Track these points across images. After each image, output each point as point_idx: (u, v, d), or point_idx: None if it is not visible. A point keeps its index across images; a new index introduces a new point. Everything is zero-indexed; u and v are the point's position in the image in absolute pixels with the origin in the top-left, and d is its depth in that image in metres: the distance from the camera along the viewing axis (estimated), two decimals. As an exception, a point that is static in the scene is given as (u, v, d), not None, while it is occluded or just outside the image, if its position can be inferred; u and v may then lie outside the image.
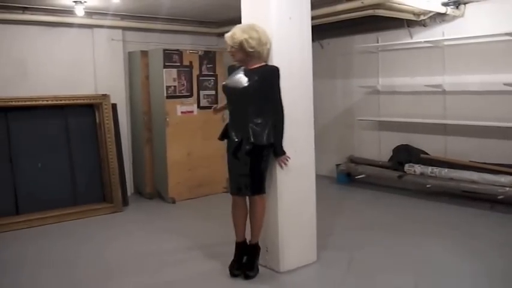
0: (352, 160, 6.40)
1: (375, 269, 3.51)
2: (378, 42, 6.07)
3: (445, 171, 5.26)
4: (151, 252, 4.00)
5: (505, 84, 4.85)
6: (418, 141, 5.80)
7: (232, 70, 3.46)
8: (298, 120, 3.47)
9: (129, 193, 5.91)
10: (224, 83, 3.51)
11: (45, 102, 5.10)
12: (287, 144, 3.38)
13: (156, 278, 3.48)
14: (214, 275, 3.48)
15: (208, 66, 5.97)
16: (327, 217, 4.36)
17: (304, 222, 3.58)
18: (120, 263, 3.82)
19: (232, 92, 3.38)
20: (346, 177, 6.37)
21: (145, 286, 3.38)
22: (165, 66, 5.55)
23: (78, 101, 5.33)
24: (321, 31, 5.68)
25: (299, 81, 3.48)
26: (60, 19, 5.45)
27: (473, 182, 4.99)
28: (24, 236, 4.55)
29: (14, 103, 4.90)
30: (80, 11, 5.08)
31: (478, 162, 5.14)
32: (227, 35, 3.27)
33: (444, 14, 5.30)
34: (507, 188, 4.72)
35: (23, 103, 4.96)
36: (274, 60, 3.34)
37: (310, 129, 3.58)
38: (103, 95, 5.48)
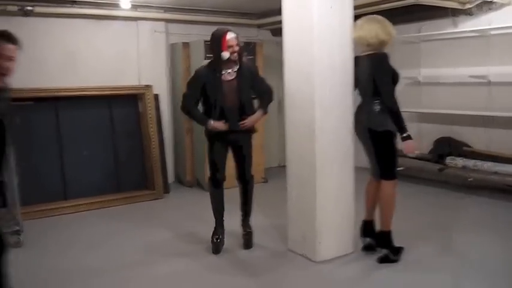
0: (393, 152, 6.30)
1: (412, 262, 3.48)
2: (420, 32, 5.95)
3: (489, 165, 5.13)
4: (190, 236, 4.15)
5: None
6: (460, 133, 5.67)
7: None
8: (335, 109, 3.47)
9: (170, 181, 6.08)
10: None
11: (91, 93, 5.32)
12: (324, 134, 3.41)
13: (196, 262, 3.60)
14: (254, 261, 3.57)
15: (248, 57, 6.02)
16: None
17: (342, 212, 3.60)
18: (162, 245, 3.98)
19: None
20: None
21: (185, 270, 3.50)
22: (206, 58, 5.64)
23: (122, 92, 5.53)
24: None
25: (340, 71, 3.48)
26: (106, 12, 5.63)
27: (518, 176, 4.84)
28: (71, 221, 4.78)
29: (63, 93, 5.13)
30: (125, 4, 5.25)
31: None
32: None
33: (491, 2, 5.14)
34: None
35: (71, 93, 5.20)
36: (315, 49, 3.35)
37: (348, 119, 3.56)
38: (146, 85, 5.64)
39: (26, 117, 4.94)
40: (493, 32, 5.25)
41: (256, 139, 5.81)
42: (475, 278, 3.18)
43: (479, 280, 3.15)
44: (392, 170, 3.45)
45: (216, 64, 3.59)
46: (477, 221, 4.46)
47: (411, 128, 6.07)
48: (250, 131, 3.79)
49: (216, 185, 3.84)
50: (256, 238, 3.98)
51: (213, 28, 3.71)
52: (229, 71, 3.60)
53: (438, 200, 5.23)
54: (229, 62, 3.59)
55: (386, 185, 3.44)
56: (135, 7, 5.73)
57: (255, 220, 4.47)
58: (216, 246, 3.78)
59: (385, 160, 3.43)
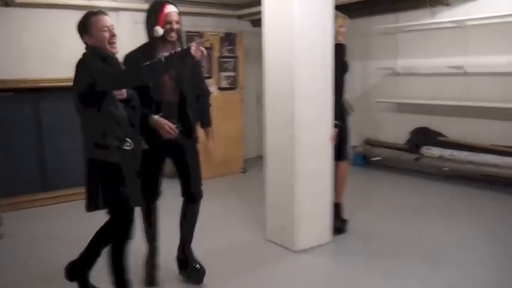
0: (369, 142, 6.43)
1: (389, 250, 3.58)
2: (397, 23, 6.01)
3: (464, 155, 5.25)
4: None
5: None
6: (437, 123, 5.79)
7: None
8: (315, 99, 3.52)
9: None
10: None
11: (70, 84, 5.25)
12: (304, 124, 3.47)
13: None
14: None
15: (228, 48, 6.05)
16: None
17: (320, 202, 3.67)
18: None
19: None
20: (362, 159, 6.40)
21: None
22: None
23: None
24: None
25: (320, 60, 3.52)
26: (87, 2, 5.55)
27: (495, 165, 4.97)
28: (52, 212, 4.78)
29: (43, 84, 5.09)
30: (106, -6, 5.19)
31: (500, 146, 5.09)
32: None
33: (468, -8, 5.22)
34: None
35: (52, 84, 5.14)
36: (296, 39, 3.39)
37: (327, 109, 3.62)
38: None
39: (6, 108, 4.91)
40: (470, 23, 5.32)
41: (234, 130, 5.90)
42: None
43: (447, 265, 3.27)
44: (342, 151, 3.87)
45: (150, 46, 2.86)
46: (447, 207, 4.60)
47: (388, 117, 6.30)
48: (193, 136, 3.01)
49: (150, 200, 3.00)
50: (234, 228, 4.03)
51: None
52: (167, 55, 2.47)
53: (412, 188, 5.35)
54: (166, 44, 2.82)
55: (339, 165, 3.85)
56: (115, -2, 5.69)
57: (233, 211, 4.54)
58: (149, 278, 3.06)
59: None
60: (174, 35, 2.82)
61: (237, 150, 5.99)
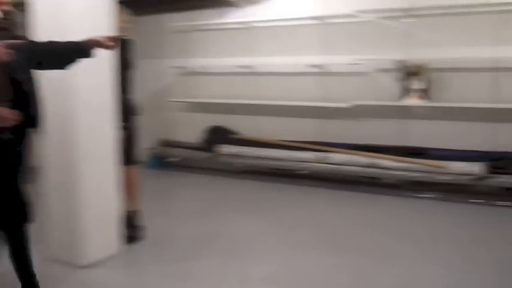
0: (165, 143, 6.20)
1: (187, 253, 3.36)
2: (190, 22, 5.92)
3: (255, 151, 5.43)
4: None
5: (309, 65, 5.21)
6: (230, 122, 5.87)
7: None
8: (93, 100, 3.09)
9: None
10: None
11: None
12: (82, 128, 3.04)
13: None
14: None
15: None
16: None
17: (106, 211, 3.25)
18: None
19: None
20: (159, 161, 6.14)
21: None
22: None
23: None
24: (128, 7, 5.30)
25: (99, 61, 2.99)
26: None
27: (281, 159, 5.26)
28: None
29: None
30: None
31: (287, 141, 5.38)
32: None
33: (254, -5, 5.41)
34: (310, 164, 5.09)
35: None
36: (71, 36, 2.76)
37: (107, 110, 3.21)
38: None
39: None
40: (256, 25, 5.53)
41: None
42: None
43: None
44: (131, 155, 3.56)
45: None
46: (243, 202, 4.64)
47: (183, 117, 6.17)
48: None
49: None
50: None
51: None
52: None
53: (209, 187, 5.29)
54: None
55: (129, 170, 3.50)
56: None
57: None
58: None
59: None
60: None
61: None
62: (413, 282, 2.86)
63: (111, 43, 2.41)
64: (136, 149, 3.64)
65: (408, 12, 4.67)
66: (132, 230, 3.53)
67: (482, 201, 4.35)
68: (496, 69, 4.45)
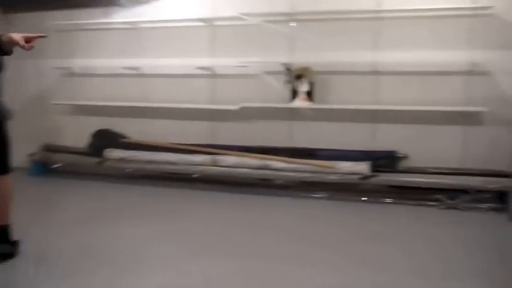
0: (48, 148, 5.81)
1: (69, 267, 3.08)
2: (73, 20, 5.60)
3: (145, 154, 5.26)
4: None
5: (198, 68, 5.17)
6: (118, 125, 5.65)
7: None
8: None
9: None
10: None
11: None
12: None
13: None
14: None
15: None
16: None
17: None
18: None
19: None
20: (42, 167, 5.73)
21: None
22: None
23: None
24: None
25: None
26: None
27: (172, 163, 5.14)
28: None
29: None
30: None
31: (177, 144, 5.28)
32: None
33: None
34: (202, 167, 5.03)
35: None
36: None
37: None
38: None
39: None
40: (144, 25, 5.40)
41: None
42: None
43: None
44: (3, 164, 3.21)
45: None
46: (133, 208, 4.44)
47: (68, 120, 5.80)
48: None
49: None
50: None
51: None
52: None
53: (97, 194, 5.01)
54: None
55: (1, 180, 3.17)
56: None
57: None
58: None
59: None
60: None
61: None
62: (303, 283, 2.84)
63: (26, 44, 2.15)
64: (9, 157, 3.31)
65: (292, 17, 4.82)
66: (5, 246, 3.21)
67: (369, 199, 4.59)
68: (376, 72, 4.73)
